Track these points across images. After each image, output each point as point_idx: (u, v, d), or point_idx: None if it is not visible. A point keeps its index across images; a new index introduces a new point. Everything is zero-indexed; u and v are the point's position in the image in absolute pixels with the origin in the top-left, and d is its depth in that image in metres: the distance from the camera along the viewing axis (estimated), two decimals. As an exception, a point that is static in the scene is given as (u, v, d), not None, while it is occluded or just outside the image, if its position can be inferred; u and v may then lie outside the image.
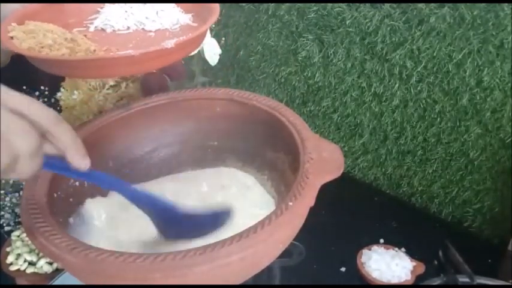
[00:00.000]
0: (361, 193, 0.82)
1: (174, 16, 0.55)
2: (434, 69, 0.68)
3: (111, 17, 0.55)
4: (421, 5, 0.65)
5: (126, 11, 0.55)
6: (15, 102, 0.32)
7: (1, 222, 0.69)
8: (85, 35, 0.52)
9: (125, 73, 0.57)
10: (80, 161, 0.35)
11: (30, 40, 0.47)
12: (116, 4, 0.57)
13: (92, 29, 0.55)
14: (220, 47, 0.75)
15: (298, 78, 0.85)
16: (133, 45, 0.51)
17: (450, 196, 0.75)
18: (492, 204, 0.71)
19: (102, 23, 0.55)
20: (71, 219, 0.48)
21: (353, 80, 0.77)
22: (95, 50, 0.47)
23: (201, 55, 0.73)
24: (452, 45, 0.65)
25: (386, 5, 0.68)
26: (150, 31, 0.54)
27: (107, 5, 0.57)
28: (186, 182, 0.57)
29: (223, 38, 0.94)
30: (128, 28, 0.54)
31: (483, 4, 0.61)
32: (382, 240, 0.68)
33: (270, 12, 0.83)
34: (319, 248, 0.67)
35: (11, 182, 0.73)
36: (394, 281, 0.61)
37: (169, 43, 0.46)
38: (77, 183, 0.51)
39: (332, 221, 0.73)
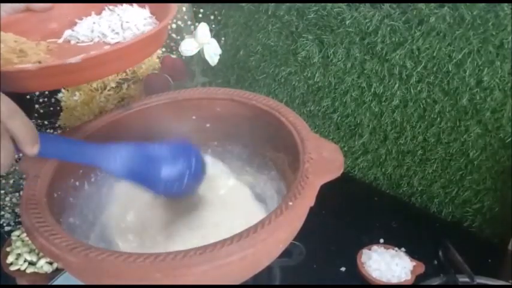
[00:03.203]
0: (361, 193, 0.82)
1: (140, 29, 0.54)
2: (434, 69, 0.68)
3: (80, 28, 0.56)
4: (421, 5, 0.65)
5: (94, 23, 0.56)
6: None
7: (1, 222, 0.69)
8: (48, 46, 0.53)
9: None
10: (29, 148, 0.38)
11: None
12: (89, 17, 0.58)
13: (60, 40, 0.56)
14: (220, 47, 0.75)
15: (298, 78, 0.85)
16: (80, 56, 0.47)
17: (450, 196, 0.75)
18: (492, 204, 0.71)
19: (69, 35, 0.56)
20: (71, 219, 0.48)
21: (353, 80, 0.77)
22: (40, 62, 0.47)
23: (201, 55, 0.73)
24: (452, 45, 0.65)
25: (386, 5, 0.68)
26: (109, 43, 0.53)
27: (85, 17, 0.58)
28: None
29: (223, 38, 0.94)
30: (92, 40, 0.55)
31: (483, 4, 0.60)
32: (382, 240, 0.68)
33: (270, 12, 0.83)
34: (319, 248, 0.67)
35: (11, 182, 0.73)
36: (394, 281, 0.61)
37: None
38: (77, 183, 0.51)
39: (332, 221, 0.73)
